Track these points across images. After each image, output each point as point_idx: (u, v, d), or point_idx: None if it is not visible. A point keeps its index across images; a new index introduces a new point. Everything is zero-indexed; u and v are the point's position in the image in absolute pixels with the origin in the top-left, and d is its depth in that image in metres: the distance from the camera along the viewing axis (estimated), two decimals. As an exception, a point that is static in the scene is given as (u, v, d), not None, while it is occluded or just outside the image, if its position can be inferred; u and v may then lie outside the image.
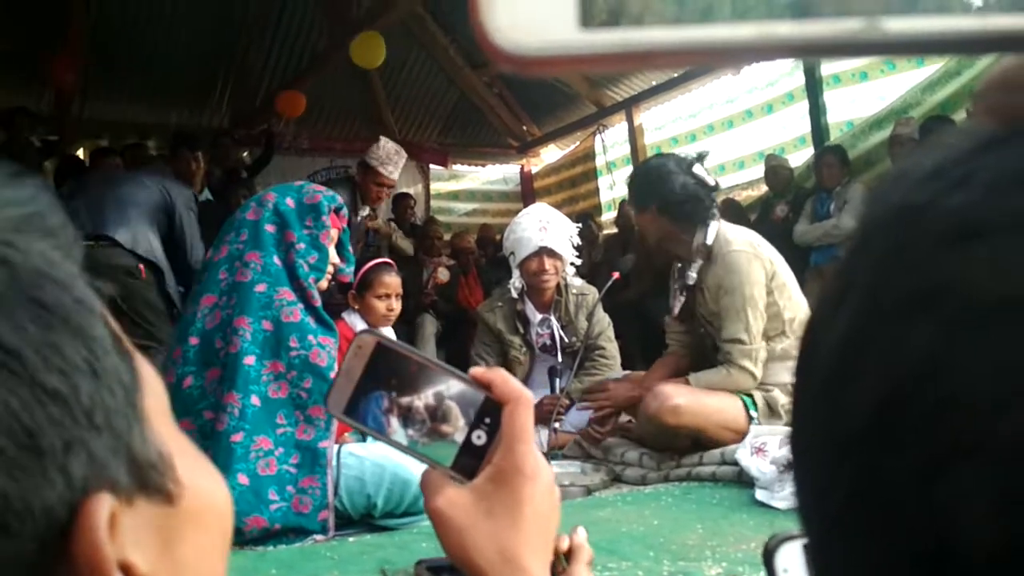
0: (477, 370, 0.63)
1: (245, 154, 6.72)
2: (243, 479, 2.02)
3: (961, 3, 0.19)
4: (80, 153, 6.17)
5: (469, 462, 0.62)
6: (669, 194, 2.63)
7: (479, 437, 0.62)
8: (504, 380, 0.62)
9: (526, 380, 3.30)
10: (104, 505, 0.27)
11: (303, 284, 2.23)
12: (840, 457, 0.19)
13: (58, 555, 0.26)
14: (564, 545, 0.72)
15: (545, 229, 3.22)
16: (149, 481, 0.30)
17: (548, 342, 3.39)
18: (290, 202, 2.26)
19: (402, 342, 0.65)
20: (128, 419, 0.29)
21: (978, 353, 0.16)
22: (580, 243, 3.39)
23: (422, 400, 0.63)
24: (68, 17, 5.68)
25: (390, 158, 4.26)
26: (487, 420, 0.62)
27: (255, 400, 2.09)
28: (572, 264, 3.33)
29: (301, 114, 6.71)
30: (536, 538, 0.60)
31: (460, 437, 0.62)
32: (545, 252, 3.20)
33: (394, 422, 0.63)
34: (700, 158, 2.70)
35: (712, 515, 2.00)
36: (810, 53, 0.19)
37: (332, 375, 2.15)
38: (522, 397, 0.61)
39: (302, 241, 2.24)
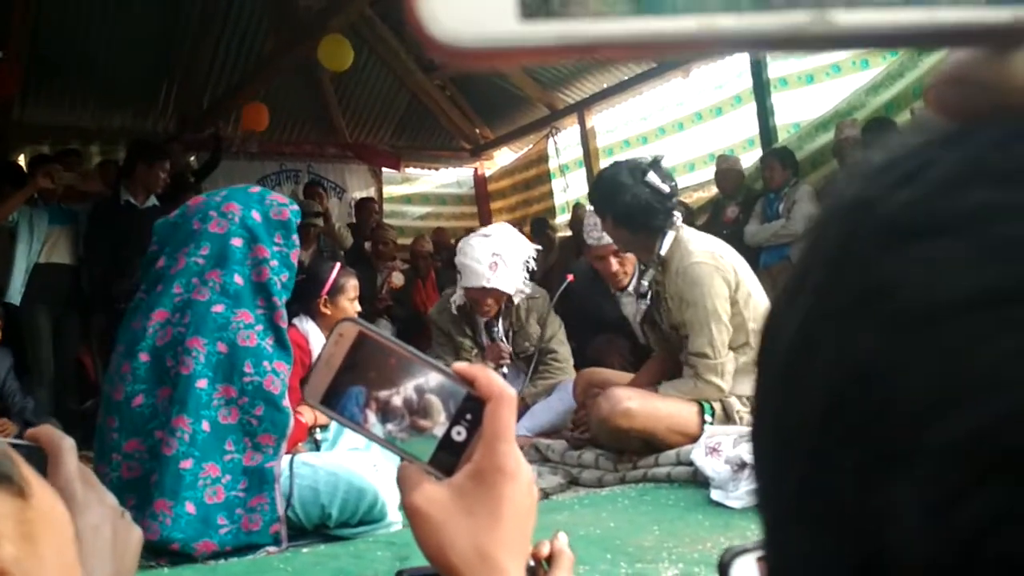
0: (460, 365, 0.62)
1: (192, 158, 6.60)
2: (191, 507, 1.97)
3: None
4: (21, 160, 5.99)
5: (448, 458, 0.60)
6: (621, 206, 2.61)
7: (459, 433, 0.60)
8: (487, 376, 0.61)
9: None
10: None
11: (276, 302, 2.19)
12: (790, 454, 0.19)
13: None
14: (545, 551, 0.72)
15: (494, 267, 3.18)
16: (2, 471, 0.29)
17: (487, 343, 3.41)
18: (256, 216, 2.22)
19: (384, 332, 0.63)
20: None
21: (914, 359, 0.16)
22: (534, 267, 3.39)
23: (402, 393, 0.61)
24: (7, 20, 5.52)
25: None
26: (468, 416, 0.60)
27: (205, 426, 2.05)
28: (519, 291, 3.30)
29: (264, 128, 6.57)
30: (514, 538, 0.59)
31: (440, 432, 0.60)
32: (489, 292, 3.19)
33: (371, 415, 0.62)
34: (655, 163, 2.65)
35: (668, 516, 2.01)
36: (757, 46, 0.19)
37: (284, 403, 2.12)
38: (505, 394, 0.60)
39: (275, 258, 2.20)
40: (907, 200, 0.18)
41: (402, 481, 0.60)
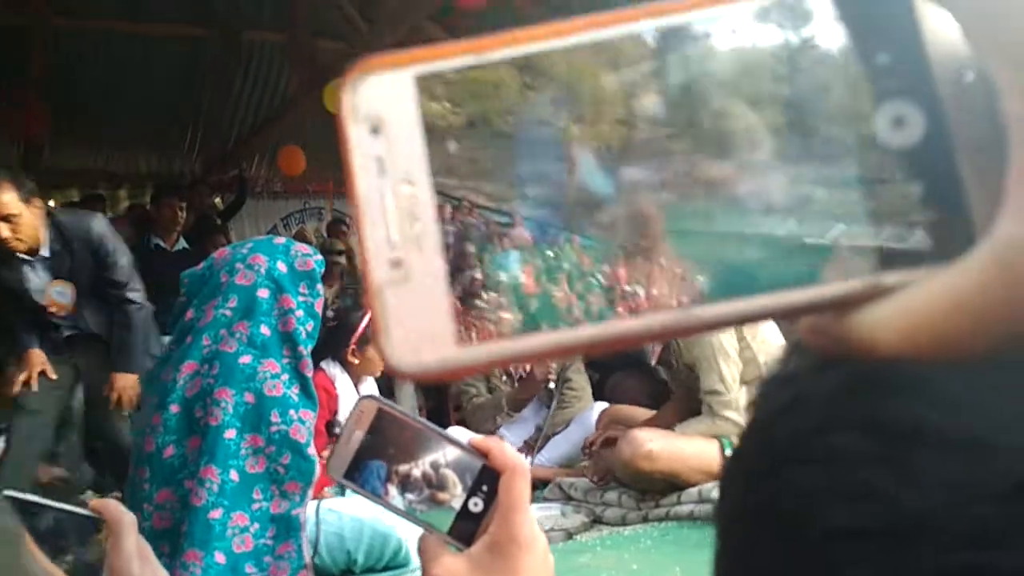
0: (476, 439, 0.65)
1: (218, 199, 6.72)
2: (220, 557, 2.02)
3: (758, 286, 0.23)
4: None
5: (466, 528, 0.63)
6: None
7: (476, 504, 0.63)
8: (501, 449, 0.64)
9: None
10: None
11: (301, 352, 2.24)
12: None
13: None
14: None
15: None
16: None
17: (523, 374, 3.43)
18: (282, 267, 2.27)
19: (402, 409, 0.66)
20: None
21: (799, 567, 0.20)
22: None
23: (420, 466, 0.65)
24: (27, 66, 5.67)
25: None
26: (484, 487, 0.63)
27: (234, 475, 2.09)
28: None
29: (302, 171, 6.67)
30: None
31: (457, 504, 0.63)
32: None
33: (392, 488, 0.66)
34: None
35: (691, 557, 2.02)
36: (642, 342, 0.24)
37: (309, 451, 2.16)
38: (519, 467, 0.63)
39: (300, 308, 2.25)
40: (786, 433, 0.22)
41: (423, 552, 0.63)
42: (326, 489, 2.38)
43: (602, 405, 3.31)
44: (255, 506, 2.12)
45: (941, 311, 0.20)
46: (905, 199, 0.25)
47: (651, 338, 0.24)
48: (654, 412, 3.05)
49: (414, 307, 0.22)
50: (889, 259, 0.24)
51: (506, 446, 0.65)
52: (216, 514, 2.06)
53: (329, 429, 2.60)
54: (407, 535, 2.13)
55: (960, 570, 0.18)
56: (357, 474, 0.66)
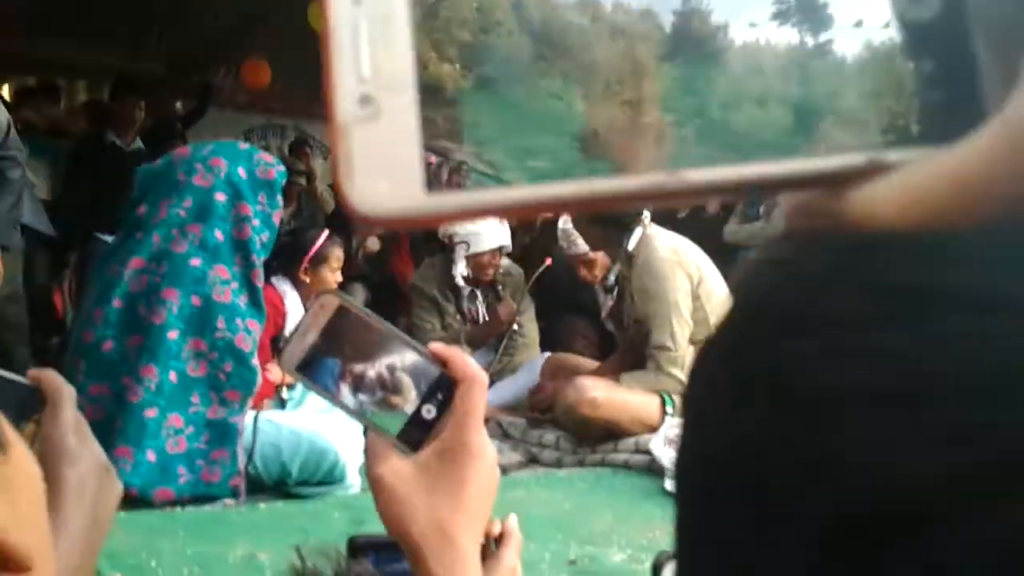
0: (436, 346, 0.64)
1: (179, 105, 6.52)
2: (151, 456, 1.99)
3: (752, 153, 0.22)
4: (4, 91, 5.89)
5: (416, 434, 0.62)
6: None
7: (429, 411, 0.62)
8: (462, 359, 0.63)
9: None
10: None
11: (254, 261, 2.19)
12: (690, 494, 0.22)
13: None
14: (496, 530, 0.74)
15: (504, 222, 3.25)
16: None
17: (487, 316, 3.44)
18: (242, 173, 2.22)
19: (363, 307, 0.65)
20: None
21: (786, 442, 0.19)
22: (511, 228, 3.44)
23: (376, 368, 0.64)
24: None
25: None
26: (439, 396, 0.62)
27: (173, 376, 2.06)
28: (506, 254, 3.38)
29: (264, 85, 6.50)
30: (474, 517, 0.62)
31: (410, 409, 0.63)
32: (498, 252, 3.25)
33: (345, 387, 0.64)
34: None
35: (622, 502, 2.06)
36: (625, 204, 0.23)
37: (253, 361, 2.14)
38: (477, 377, 0.62)
39: (257, 217, 2.21)
40: (783, 302, 0.21)
41: (369, 452, 0.62)
42: (265, 401, 2.36)
43: (548, 355, 3.34)
44: (192, 410, 2.09)
45: (945, 186, 0.20)
46: (914, 76, 0.24)
47: (632, 199, 0.23)
48: (599, 363, 3.09)
49: (382, 148, 0.21)
50: (892, 137, 0.23)
51: (466, 356, 0.64)
52: (151, 413, 2.03)
53: (274, 344, 2.57)
54: (344, 452, 2.13)
55: (977, 427, 0.17)
56: (310, 369, 0.64)
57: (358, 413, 0.65)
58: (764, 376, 0.20)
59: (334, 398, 0.64)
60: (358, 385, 0.65)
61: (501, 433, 2.91)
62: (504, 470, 2.48)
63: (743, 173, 0.22)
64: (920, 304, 0.18)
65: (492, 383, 3.35)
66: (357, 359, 0.64)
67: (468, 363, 0.63)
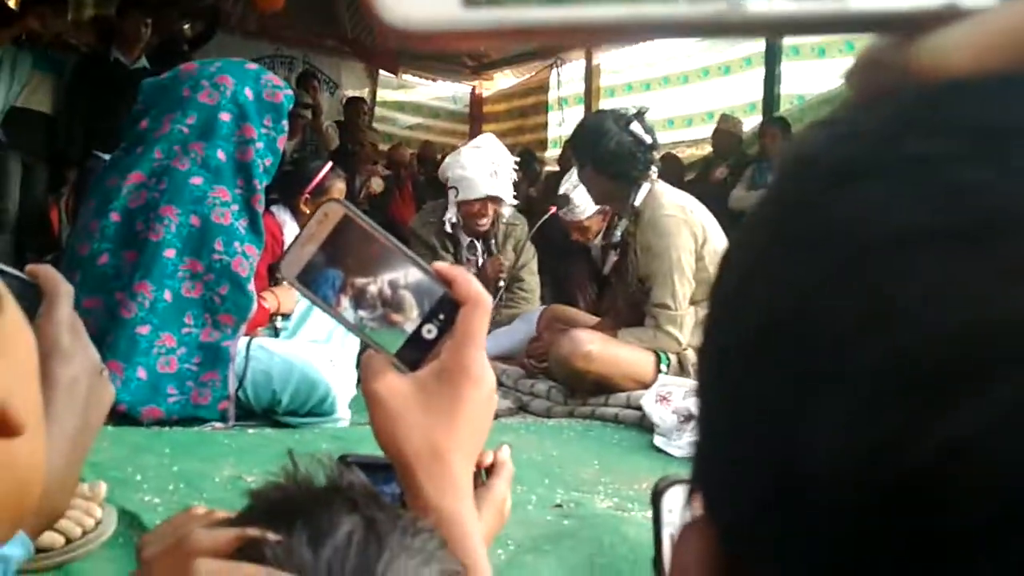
0: (441, 265, 0.62)
1: (187, 26, 6.39)
2: (142, 373, 1.97)
3: None
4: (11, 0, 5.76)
5: (414, 354, 0.61)
6: (604, 152, 2.62)
7: (429, 331, 0.61)
8: (466, 279, 0.61)
9: None
10: None
11: (256, 185, 2.15)
12: (725, 369, 0.21)
13: None
14: (487, 460, 0.73)
15: (495, 175, 3.16)
16: None
17: (474, 270, 3.39)
18: (249, 93, 2.16)
19: (369, 219, 0.62)
20: None
21: (844, 288, 0.18)
22: (517, 180, 3.37)
23: (379, 283, 0.61)
24: None
25: None
26: (441, 316, 0.61)
27: (167, 295, 2.03)
28: (509, 205, 3.31)
29: (278, 7, 6.34)
30: (468, 440, 0.60)
31: (410, 328, 0.61)
32: (490, 200, 3.17)
33: (345, 300, 0.62)
34: (639, 114, 2.68)
35: (610, 453, 2.06)
36: (679, 32, 0.22)
37: (249, 287, 2.11)
38: (481, 299, 0.60)
39: (261, 140, 2.16)
40: (845, 152, 0.19)
41: (366, 367, 0.61)
42: (259, 329, 2.34)
43: (544, 308, 3.32)
44: (185, 330, 2.07)
45: (1021, 32, 0.19)
46: None
47: (685, 28, 0.21)
48: (597, 318, 3.07)
49: None
50: None
51: (471, 277, 0.62)
52: (144, 330, 2.01)
53: (271, 273, 2.54)
54: (336, 385, 2.12)
55: None
56: (310, 278, 0.62)
57: (357, 328, 0.63)
58: (824, 226, 0.19)
59: (333, 310, 0.62)
60: (359, 299, 0.62)
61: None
62: (495, 415, 2.47)
63: (807, 9, 0.21)
64: (994, 142, 0.17)
65: (489, 332, 3.34)
66: (359, 272, 0.62)
67: (473, 284, 0.61)
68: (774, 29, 0.22)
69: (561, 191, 3.30)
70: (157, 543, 0.64)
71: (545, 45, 7.60)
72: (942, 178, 0.17)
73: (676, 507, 0.40)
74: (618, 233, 2.77)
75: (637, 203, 2.65)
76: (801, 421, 0.18)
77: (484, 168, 3.15)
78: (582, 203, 3.28)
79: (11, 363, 0.30)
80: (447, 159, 3.40)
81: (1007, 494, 0.15)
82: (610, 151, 2.61)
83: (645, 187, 2.66)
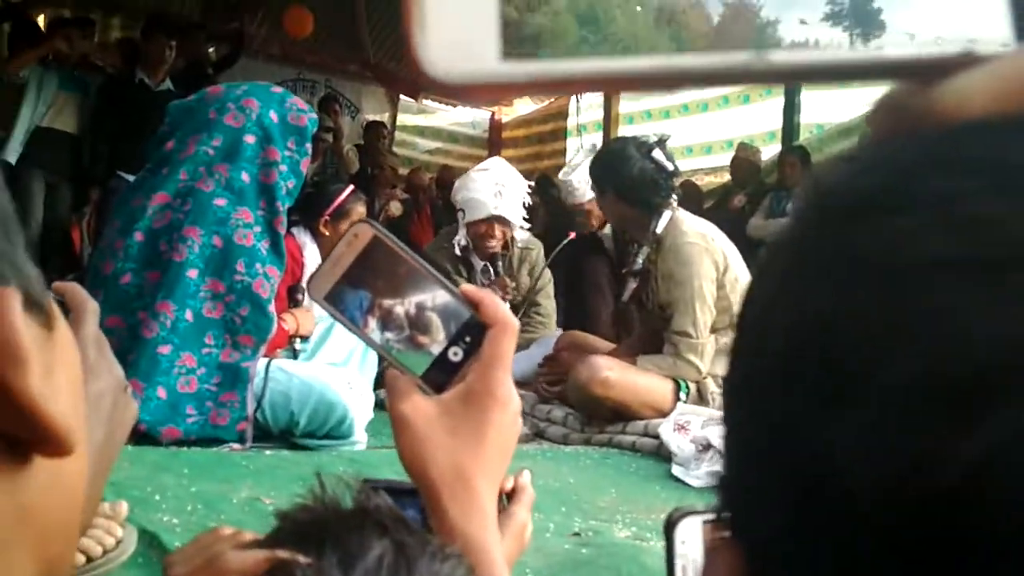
0: (469, 287, 0.62)
1: (212, 50, 6.49)
2: (162, 392, 1.98)
3: (832, 42, 0.23)
4: (40, 19, 5.87)
5: (440, 376, 0.61)
6: (626, 179, 2.64)
7: (456, 354, 0.61)
8: (494, 303, 0.61)
9: None
10: (15, 297, 0.26)
11: (278, 207, 2.18)
12: (750, 397, 0.22)
13: None
14: (508, 485, 0.72)
15: (500, 195, 3.17)
16: (34, 297, 0.29)
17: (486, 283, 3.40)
18: (274, 116, 2.19)
19: (398, 240, 0.62)
20: (12, 229, 0.28)
21: (869, 312, 0.18)
22: (530, 203, 3.38)
23: (406, 305, 0.61)
24: None
25: None
26: (467, 339, 0.61)
27: (188, 315, 2.05)
28: (520, 228, 3.31)
29: (307, 34, 6.42)
30: (493, 464, 0.60)
31: (437, 350, 0.61)
32: (496, 220, 3.18)
33: (372, 321, 0.62)
34: (661, 142, 2.71)
35: (627, 482, 2.05)
36: (706, 83, 0.23)
37: (270, 308, 2.12)
38: (509, 323, 0.60)
39: (284, 163, 2.19)
40: (868, 184, 0.20)
41: (391, 389, 0.61)
42: (278, 351, 2.34)
43: (562, 333, 3.31)
44: (205, 351, 2.08)
45: None
46: None
47: (712, 79, 0.22)
48: (614, 344, 3.06)
49: (460, 6, 0.20)
50: (983, 31, 0.23)
51: (499, 301, 0.62)
52: (165, 350, 2.02)
53: (291, 295, 2.56)
54: (354, 408, 2.12)
55: None
56: (337, 299, 0.62)
57: (383, 349, 0.63)
58: (848, 253, 0.19)
59: (360, 331, 0.62)
60: (386, 321, 0.63)
61: (509, 405, 2.88)
62: (510, 441, 2.46)
63: (828, 58, 0.22)
64: (1010, 177, 0.18)
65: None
66: (387, 294, 0.62)
67: (500, 308, 0.61)
68: (798, 77, 0.24)
69: (560, 176, 3.34)
70: (184, 563, 0.64)
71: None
72: (962, 212, 0.18)
73: (689, 538, 0.40)
74: (640, 260, 2.76)
75: (659, 230, 2.66)
76: (828, 440, 0.18)
77: (489, 189, 3.17)
78: (581, 186, 3.30)
79: (67, 379, 0.30)
80: (457, 183, 3.43)
81: None
82: (632, 178, 2.63)
83: (666, 214, 2.66)
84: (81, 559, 1.04)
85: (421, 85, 0.21)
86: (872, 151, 0.22)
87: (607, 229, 3.61)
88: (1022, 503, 0.15)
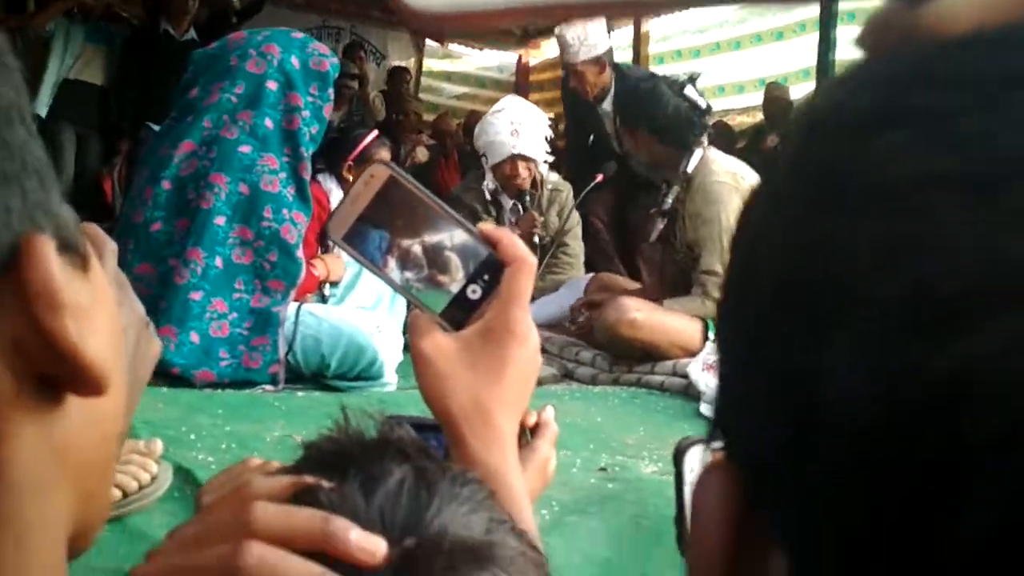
0: (486, 226, 0.62)
1: (236, -1, 6.44)
2: (195, 337, 2.02)
3: None
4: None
5: (459, 314, 0.61)
6: (660, 117, 2.61)
7: (474, 292, 0.61)
8: (512, 241, 0.61)
9: None
10: (50, 244, 0.26)
11: (302, 153, 2.18)
12: (744, 322, 0.22)
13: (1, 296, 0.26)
14: (531, 420, 0.73)
15: (517, 133, 3.14)
16: (69, 240, 0.29)
17: (517, 231, 3.39)
18: (295, 62, 2.18)
19: (415, 180, 0.62)
20: (47, 177, 0.29)
21: (860, 230, 0.18)
22: (552, 136, 3.35)
23: (424, 244, 0.62)
24: None
25: None
26: (486, 277, 0.61)
27: (218, 262, 2.07)
28: (545, 162, 3.29)
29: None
30: (512, 398, 0.61)
31: (456, 288, 0.61)
32: (518, 158, 3.15)
33: (391, 261, 0.62)
34: (692, 80, 2.68)
35: (655, 420, 2.06)
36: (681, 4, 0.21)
37: (298, 253, 2.14)
38: (527, 261, 0.61)
39: (307, 109, 2.18)
40: (859, 104, 0.20)
41: (413, 327, 0.62)
42: (308, 296, 2.37)
43: (592, 275, 3.30)
44: (236, 296, 2.11)
45: None
46: None
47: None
48: (643, 286, 3.05)
49: None
50: None
51: (516, 238, 0.62)
52: (196, 296, 2.05)
53: (320, 241, 2.57)
54: (383, 350, 2.14)
55: None
56: (356, 239, 0.62)
57: (403, 288, 0.63)
58: (840, 171, 0.19)
59: (379, 270, 0.62)
60: (404, 260, 0.63)
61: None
62: (539, 382, 2.48)
63: None
64: (1000, 92, 0.18)
65: (534, 299, 3.35)
66: (405, 233, 0.62)
67: (518, 245, 0.61)
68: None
69: (556, 32, 3.32)
70: (215, 492, 0.66)
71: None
72: (953, 128, 0.18)
73: (698, 466, 0.40)
74: (669, 200, 2.73)
75: (689, 170, 2.63)
76: (821, 351, 0.18)
77: (505, 129, 3.14)
78: (575, 43, 3.30)
79: (103, 321, 0.30)
80: (476, 128, 3.41)
81: (1012, 415, 0.15)
82: (667, 116, 2.60)
83: (697, 153, 2.64)
84: (117, 494, 1.08)
85: (401, 18, 0.21)
86: (862, 70, 0.22)
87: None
88: (998, 418, 0.15)
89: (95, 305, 0.29)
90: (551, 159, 3.35)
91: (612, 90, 3.51)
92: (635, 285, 3.08)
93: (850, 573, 0.18)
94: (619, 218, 3.80)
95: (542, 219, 3.28)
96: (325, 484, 0.46)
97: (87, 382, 0.27)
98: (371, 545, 0.37)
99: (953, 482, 0.16)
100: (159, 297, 2.04)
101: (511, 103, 3.38)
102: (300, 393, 2.00)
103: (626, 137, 2.86)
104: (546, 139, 3.25)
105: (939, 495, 0.16)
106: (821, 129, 0.21)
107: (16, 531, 0.26)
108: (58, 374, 0.27)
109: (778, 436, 0.19)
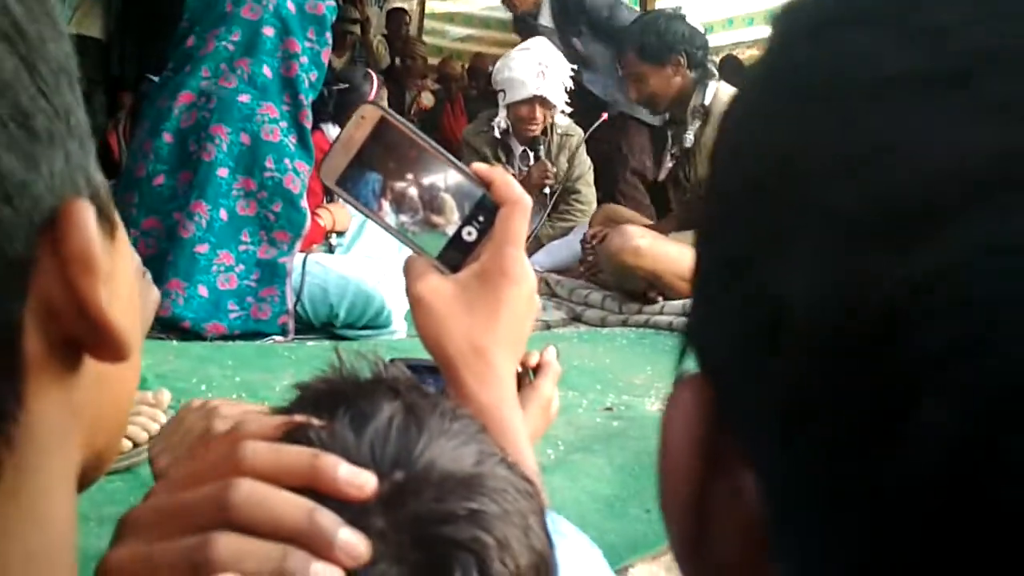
0: (479, 166, 0.62)
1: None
2: (203, 290, 2.03)
3: None
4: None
5: (455, 256, 0.61)
6: (684, 43, 2.65)
7: (470, 233, 0.61)
8: (505, 181, 0.61)
9: None
10: (90, 209, 0.26)
11: (302, 100, 2.15)
12: (717, 226, 0.22)
13: (38, 258, 0.26)
14: (533, 360, 0.74)
15: (543, 75, 3.07)
16: (102, 206, 0.29)
17: (523, 175, 3.36)
18: (291, 6, 2.14)
19: (407, 122, 0.62)
20: (87, 140, 0.29)
21: (827, 131, 0.18)
22: (573, 87, 3.28)
23: (418, 186, 0.62)
24: None
25: None
26: (481, 218, 0.61)
27: (223, 214, 2.07)
28: (563, 112, 3.23)
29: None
30: (509, 339, 0.61)
31: (451, 230, 0.61)
32: (538, 101, 3.08)
33: (386, 204, 0.62)
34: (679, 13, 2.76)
35: (663, 360, 2.06)
36: None
37: (302, 203, 2.13)
38: (520, 201, 0.61)
39: (305, 55, 2.15)
40: (825, 2, 0.20)
41: (408, 271, 0.62)
42: (314, 246, 2.37)
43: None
44: (242, 248, 2.12)
45: None
46: None
47: None
48: (651, 222, 3.03)
49: None
50: None
51: (510, 178, 0.62)
52: (202, 249, 2.06)
53: (326, 190, 2.56)
54: (390, 299, 2.15)
55: None
56: (350, 183, 0.62)
57: (398, 231, 0.63)
58: (807, 73, 0.19)
59: (374, 214, 0.62)
60: (399, 203, 0.63)
61: (548, 291, 2.91)
62: (547, 325, 2.49)
63: None
64: None
65: (542, 245, 3.33)
66: (399, 176, 0.62)
67: (512, 186, 0.61)
68: None
69: None
70: (171, 451, 0.66)
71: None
72: (921, 21, 0.17)
73: None
74: (690, 137, 2.70)
75: (706, 102, 2.61)
76: (782, 258, 0.18)
77: (531, 68, 3.06)
78: None
79: (125, 286, 0.30)
80: (498, 63, 3.34)
81: (961, 327, 0.15)
82: (690, 42, 2.63)
83: (712, 85, 2.62)
84: (127, 444, 1.10)
85: None
86: None
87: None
88: (952, 319, 0.15)
89: (118, 271, 0.30)
90: (568, 109, 3.28)
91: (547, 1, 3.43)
92: (642, 218, 3.06)
93: (815, 488, 0.18)
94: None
95: (554, 169, 3.24)
96: (316, 422, 0.46)
97: (111, 348, 0.28)
98: (360, 479, 0.37)
99: (911, 393, 0.16)
100: (166, 251, 2.05)
101: (539, 44, 3.27)
102: (310, 343, 2.02)
103: (648, 75, 2.78)
104: (566, 89, 3.19)
105: (898, 406, 0.16)
106: (787, 30, 0.21)
107: (42, 483, 0.27)
108: (83, 337, 0.27)
109: (743, 348, 0.19)
